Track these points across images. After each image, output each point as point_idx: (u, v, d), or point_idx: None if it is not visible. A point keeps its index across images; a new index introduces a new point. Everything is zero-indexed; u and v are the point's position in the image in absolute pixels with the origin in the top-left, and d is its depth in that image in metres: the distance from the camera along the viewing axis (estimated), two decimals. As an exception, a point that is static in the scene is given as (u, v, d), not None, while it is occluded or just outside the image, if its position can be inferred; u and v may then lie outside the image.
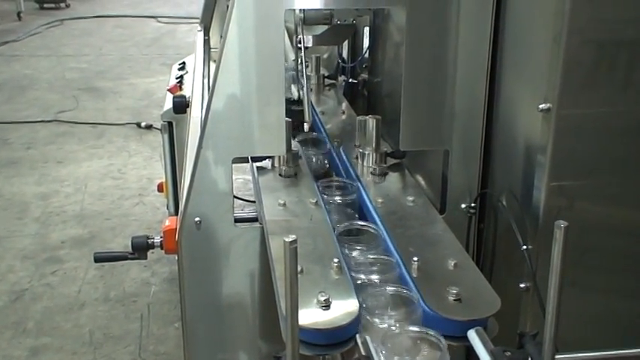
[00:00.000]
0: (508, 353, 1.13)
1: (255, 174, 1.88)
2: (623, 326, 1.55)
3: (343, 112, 2.53)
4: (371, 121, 1.90)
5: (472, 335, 1.20)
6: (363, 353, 1.15)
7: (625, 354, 1.16)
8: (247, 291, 1.77)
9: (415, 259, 1.40)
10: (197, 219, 1.69)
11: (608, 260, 1.51)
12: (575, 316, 1.45)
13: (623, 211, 1.49)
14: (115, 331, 3.70)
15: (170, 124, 3.36)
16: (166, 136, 3.39)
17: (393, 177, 1.85)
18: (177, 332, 3.70)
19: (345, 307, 1.25)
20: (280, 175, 1.84)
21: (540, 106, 1.42)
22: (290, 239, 0.99)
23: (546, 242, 1.50)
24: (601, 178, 1.46)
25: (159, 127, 6.58)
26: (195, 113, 2.59)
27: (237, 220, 1.74)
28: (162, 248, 1.99)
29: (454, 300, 1.28)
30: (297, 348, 1.05)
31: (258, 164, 1.89)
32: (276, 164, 1.88)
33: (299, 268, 1.35)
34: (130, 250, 2.16)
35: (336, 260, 1.38)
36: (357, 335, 1.21)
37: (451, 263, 1.40)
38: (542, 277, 1.50)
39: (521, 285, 1.54)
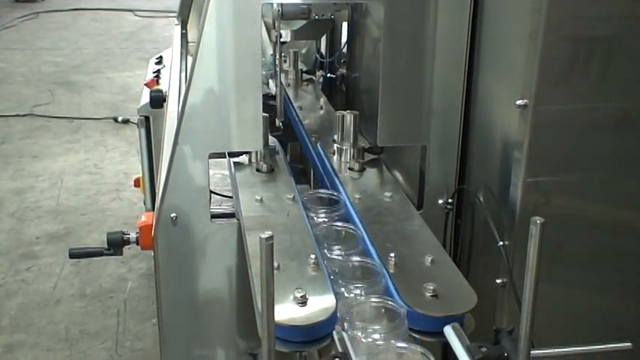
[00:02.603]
0: (484, 349, 1.13)
1: (232, 169, 1.87)
2: (599, 321, 1.57)
3: (321, 108, 2.52)
4: (349, 117, 1.90)
5: (448, 331, 1.20)
6: (340, 350, 1.15)
7: (601, 349, 1.17)
8: (224, 287, 1.76)
9: (392, 255, 1.39)
10: (173, 215, 1.68)
11: (583, 255, 1.52)
12: (551, 311, 1.45)
13: (598, 207, 1.50)
14: (91, 327, 3.67)
15: (147, 118, 3.33)
16: (143, 131, 3.37)
17: (371, 173, 1.85)
18: (155, 328, 3.68)
19: (321, 304, 1.25)
20: (257, 170, 1.83)
21: (517, 102, 1.42)
22: (266, 235, 0.98)
23: (523, 238, 1.51)
24: (577, 174, 1.47)
25: (136, 121, 6.57)
26: (172, 108, 2.57)
27: (214, 216, 1.73)
28: (138, 244, 1.97)
29: (431, 296, 1.28)
30: (273, 345, 1.04)
31: (235, 159, 1.88)
32: (253, 160, 1.87)
33: (275, 264, 1.35)
34: (105, 246, 2.14)
35: (312, 256, 1.38)
36: (334, 332, 1.21)
37: (428, 259, 1.40)
38: (518, 272, 1.51)
39: (498, 281, 1.55)
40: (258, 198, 1.65)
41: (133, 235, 1.98)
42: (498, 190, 1.60)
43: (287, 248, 1.44)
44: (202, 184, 1.66)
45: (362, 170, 1.85)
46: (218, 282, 1.75)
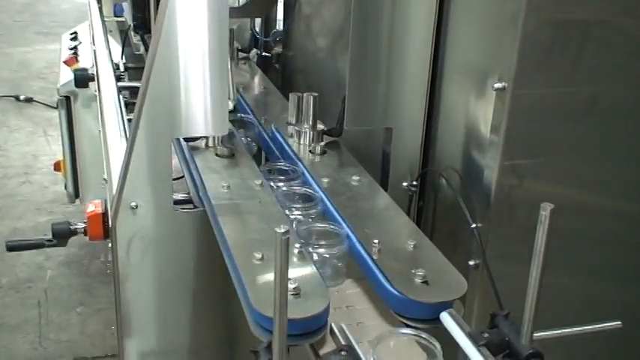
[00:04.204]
0: (486, 334, 1.13)
1: (188, 153, 1.79)
2: (576, 305, 1.61)
3: (264, 88, 2.46)
4: (309, 98, 1.85)
5: (446, 318, 1.19)
6: (343, 342, 1.12)
7: (600, 328, 1.20)
8: (188, 277, 1.69)
9: (375, 241, 1.37)
10: (133, 203, 1.59)
11: (555, 239, 1.55)
12: (522, 292, 1.47)
13: (573, 191, 1.53)
14: (10, 319, 3.49)
15: (68, 98, 3.16)
16: (64, 112, 3.20)
17: (333, 155, 1.82)
18: (80, 318, 3.54)
19: (315, 295, 1.21)
20: (217, 155, 1.76)
21: (495, 86, 1.42)
22: (282, 230, 0.93)
23: (497, 220, 1.53)
24: (553, 158, 1.49)
25: (40, 100, 6.26)
26: (107, 87, 2.45)
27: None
28: (85, 234, 1.87)
29: (421, 282, 1.27)
30: (285, 341, 1.00)
31: (192, 143, 1.80)
32: (211, 143, 1.80)
33: (259, 255, 1.30)
34: (45, 236, 2.02)
35: (297, 246, 1.34)
36: (333, 323, 1.18)
37: (410, 244, 1.39)
38: (491, 254, 1.52)
39: (470, 262, 1.56)
40: (225, 185, 1.59)
41: (80, 226, 1.87)
42: (468, 173, 1.60)
43: (267, 237, 1.39)
44: (165, 171, 1.58)
45: (323, 153, 1.82)
46: (180, 272, 1.68)
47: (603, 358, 1.74)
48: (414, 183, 1.76)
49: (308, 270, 1.28)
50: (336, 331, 1.16)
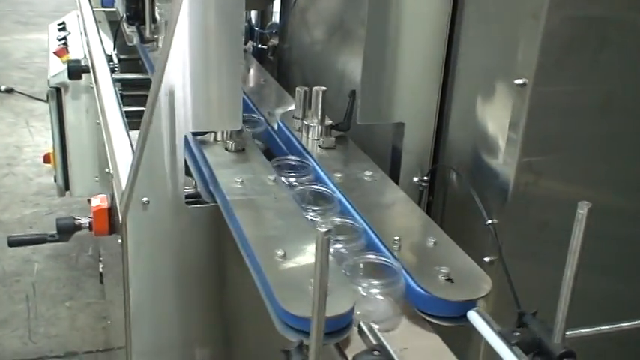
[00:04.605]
0: (517, 333, 1.12)
1: (196, 147, 1.77)
2: (589, 301, 1.60)
3: (264, 80, 2.44)
4: (318, 92, 1.83)
5: (474, 316, 1.19)
6: (374, 342, 1.11)
7: (631, 326, 1.20)
8: (197, 273, 1.67)
9: (396, 238, 1.36)
10: (145, 199, 1.56)
11: (570, 236, 1.55)
12: (535, 289, 1.47)
13: (590, 189, 1.52)
14: (-1, 314, 3.44)
15: (58, 90, 3.11)
16: (54, 104, 3.14)
17: (342, 150, 1.80)
18: (69, 312, 3.50)
19: (341, 293, 1.20)
20: (226, 149, 1.73)
21: (516, 82, 1.41)
22: (324, 230, 0.92)
23: (513, 217, 1.53)
24: (570, 155, 1.49)
25: (21, 90, 6.16)
26: (104, 79, 2.41)
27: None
28: (90, 230, 1.84)
29: (446, 280, 1.26)
30: (322, 342, 0.99)
31: (200, 137, 1.78)
32: (219, 138, 1.77)
33: (281, 253, 1.29)
34: (47, 232, 1.98)
35: (319, 242, 1.32)
36: (361, 322, 1.16)
37: (431, 241, 1.38)
38: (507, 251, 1.52)
39: (486, 259, 1.55)
40: (239, 180, 1.57)
41: (85, 221, 1.84)
42: (481, 169, 1.60)
43: (286, 234, 1.37)
44: (178, 167, 1.56)
45: (332, 148, 1.80)
46: (192, 268, 1.66)
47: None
48: (425, 178, 1.75)
49: (333, 268, 1.26)
50: (365, 330, 1.15)
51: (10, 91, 6.11)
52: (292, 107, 2.12)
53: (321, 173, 1.67)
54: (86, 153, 3.23)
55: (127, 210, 1.57)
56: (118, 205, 1.67)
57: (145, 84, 2.84)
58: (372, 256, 1.33)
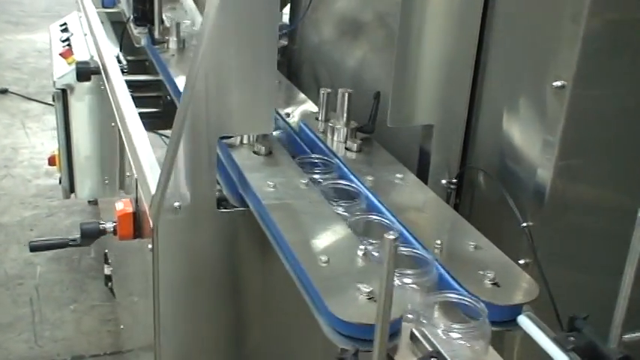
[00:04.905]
0: (572, 338, 1.12)
1: (222, 150, 1.75)
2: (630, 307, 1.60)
3: (279, 82, 2.42)
4: (344, 94, 1.82)
5: (525, 321, 1.18)
6: (429, 348, 1.10)
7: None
8: (230, 279, 1.65)
9: (438, 242, 1.36)
10: (177, 204, 1.55)
11: (605, 240, 1.55)
12: (570, 292, 1.47)
13: (627, 193, 1.52)
14: (3, 317, 3.40)
15: (64, 91, 3.07)
16: (60, 105, 3.10)
17: (370, 153, 1.79)
18: (74, 315, 3.47)
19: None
20: (254, 152, 1.72)
21: (554, 84, 1.41)
22: (392, 237, 0.91)
23: (550, 219, 1.53)
24: (608, 158, 1.48)
25: (15, 91, 6.09)
26: (117, 81, 2.39)
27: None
28: (115, 234, 1.82)
29: (492, 284, 1.26)
30: (385, 349, 0.98)
31: (226, 140, 1.76)
32: (245, 140, 1.76)
33: (324, 258, 1.28)
34: (67, 236, 1.96)
35: (361, 247, 1.31)
36: (414, 329, 1.16)
37: (471, 245, 1.38)
38: (541, 254, 1.52)
39: (520, 262, 1.55)
40: (271, 184, 1.56)
41: (109, 226, 1.82)
42: (513, 171, 1.59)
43: (327, 239, 1.36)
44: (210, 171, 1.54)
45: (359, 151, 1.79)
46: (224, 273, 1.64)
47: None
48: (454, 180, 1.74)
49: (379, 273, 1.25)
50: (418, 336, 1.14)
51: (4, 92, 6.05)
52: (304, 106, 2.12)
53: (351, 176, 1.66)
54: (92, 155, 3.20)
55: (159, 215, 1.56)
56: (147, 209, 1.65)
57: (156, 86, 2.82)
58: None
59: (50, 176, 4.62)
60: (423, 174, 1.76)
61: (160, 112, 2.89)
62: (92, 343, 3.29)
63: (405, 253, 1.32)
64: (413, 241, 1.39)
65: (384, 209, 1.51)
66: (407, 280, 1.25)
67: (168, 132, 3.23)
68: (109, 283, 3.51)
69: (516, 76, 1.58)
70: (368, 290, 1.19)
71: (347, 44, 2.39)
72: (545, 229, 1.52)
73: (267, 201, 1.49)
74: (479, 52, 1.66)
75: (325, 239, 1.36)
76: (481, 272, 1.28)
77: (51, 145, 5.12)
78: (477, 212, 1.75)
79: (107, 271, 3.50)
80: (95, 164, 3.20)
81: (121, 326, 2.80)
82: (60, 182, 3.34)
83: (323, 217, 1.45)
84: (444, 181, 1.75)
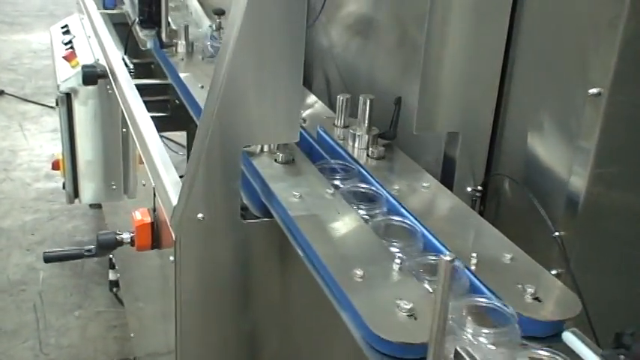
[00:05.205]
0: (622, 356, 1.09)
1: (244, 160, 1.71)
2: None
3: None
4: (365, 100, 1.79)
5: (570, 337, 1.15)
6: (476, 367, 1.07)
7: None
8: (254, 291, 1.61)
9: (474, 254, 1.32)
10: (200, 215, 1.51)
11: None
12: (604, 303, 1.44)
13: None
14: (7, 324, 3.35)
15: (68, 95, 3.01)
16: (64, 110, 3.05)
17: (393, 160, 1.76)
18: (79, 322, 3.42)
19: (429, 315, 1.15)
20: (276, 161, 1.68)
21: (590, 91, 1.38)
22: (449, 258, 0.87)
23: (584, 228, 1.49)
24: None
25: (11, 92, 6.03)
26: (127, 85, 2.34)
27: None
28: (132, 245, 1.77)
29: (533, 299, 1.22)
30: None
31: (246, 148, 1.72)
32: (266, 148, 1.72)
33: (360, 272, 1.24)
34: (82, 246, 1.92)
35: (397, 261, 1.28)
36: (458, 347, 1.12)
37: (506, 257, 1.34)
38: (574, 263, 1.49)
39: (553, 272, 1.51)
40: (297, 194, 1.52)
41: (126, 236, 1.78)
42: (543, 179, 1.56)
43: (359, 253, 1.32)
44: (234, 181, 1.50)
45: (382, 158, 1.76)
46: (248, 285, 1.60)
47: None
48: (479, 188, 1.71)
49: (418, 288, 1.22)
50: (463, 355, 1.10)
51: (0, 93, 5.98)
52: (318, 111, 2.08)
53: (376, 184, 1.62)
54: (96, 159, 3.15)
55: (182, 227, 1.52)
56: (167, 220, 1.61)
57: (164, 89, 2.78)
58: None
59: (50, 179, 4.57)
60: (446, 181, 1.73)
61: (167, 116, 2.84)
62: (98, 350, 3.25)
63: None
64: (445, 252, 1.36)
65: (413, 219, 1.47)
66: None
67: (172, 134, 3.18)
68: (114, 289, 3.47)
69: (546, 82, 1.54)
70: (408, 307, 1.15)
71: (358, 47, 2.36)
72: (578, 238, 1.49)
73: (294, 212, 1.45)
74: (506, 58, 1.62)
75: (358, 252, 1.33)
76: (519, 286, 1.25)
77: (50, 147, 5.08)
78: (502, 221, 1.72)
79: (112, 276, 3.46)
80: (100, 169, 3.15)
81: (131, 334, 2.76)
82: (64, 187, 3.28)
83: (353, 229, 1.41)
84: (469, 189, 1.71)
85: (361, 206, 1.52)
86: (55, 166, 3.34)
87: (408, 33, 2.05)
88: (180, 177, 1.67)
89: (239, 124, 1.46)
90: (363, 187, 1.59)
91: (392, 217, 1.48)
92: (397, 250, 1.36)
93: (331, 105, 2.25)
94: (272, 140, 1.58)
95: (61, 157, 3.26)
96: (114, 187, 2.92)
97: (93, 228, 4.10)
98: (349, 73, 2.41)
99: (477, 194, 1.72)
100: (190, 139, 3.89)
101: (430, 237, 1.41)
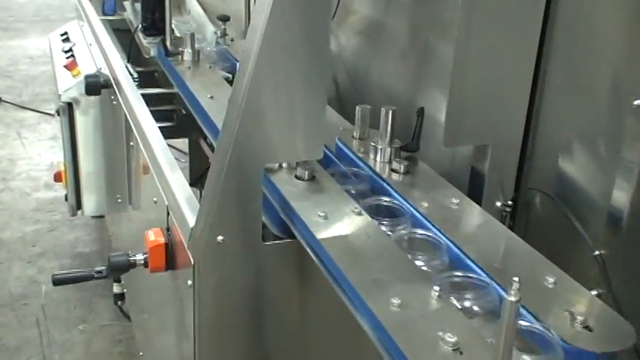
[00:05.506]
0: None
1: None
2: None
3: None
4: (387, 112, 1.71)
5: (627, 371, 1.07)
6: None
7: None
8: (275, 316, 1.53)
9: (516, 279, 1.24)
10: (220, 238, 1.43)
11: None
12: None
13: None
14: (9, 340, 3.26)
15: (70, 105, 2.93)
16: (66, 120, 2.96)
17: (418, 174, 1.68)
18: (84, 336, 3.33)
19: (476, 350, 1.08)
20: (297, 177, 1.60)
21: (635, 103, 1.30)
22: (514, 299, 0.79)
23: (627, 247, 1.42)
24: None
25: (8, 100, 5.93)
26: (134, 97, 2.26)
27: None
28: (146, 266, 1.69)
29: (583, 327, 1.15)
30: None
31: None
32: (285, 164, 1.64)
33: (397, 302, 1.16)
34: (92, 267, 1.83)
35: (436, 289, 1.20)
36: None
37: (549, 280, 1.26)
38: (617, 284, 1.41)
39: (593, 292, 1.44)
40: (322, 214, 1.44)
41: (140, 257, 1.69)
42: (580, 194, 1.49)
43: (394, 279, 1.24)
44: (256, 202, 1.42)
45: (407, 172, 1.68)
46: (268, 310, 1.52)
47: None
48: (509, 203, 1.63)
49: (460, 318, 1.14)
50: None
51: (-4, 101, 5.89)
52: (332, 120, 2.01)
53: (404, 202, 1.54)
54: (99, 170, 3.06)
55: (201, 250, 1.44)
56: (183, 241, 1.53)
57: (169, 98, 2.69)
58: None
59: (50, 188, 4.48)
60: (473, 195, 1.65)
61: (173, 125, 2.76)
62: (104, 366, 3.17)
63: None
64: (483, 275, 1.28)
65: (444, 238, 1.39)
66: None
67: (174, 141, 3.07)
68: (119, 302, 3.38)
69: (582, 92, 1.47)
70: (452, 340, 1.07)
71: (369, 52, 2.28)
72: (620, 257, 1.41)
73: (320, 234, 1.37)
74: (537, 67, 1.55)
75: (393, 278, 1.24)
76: (567, 312, 1.17)
77: (49, 155, 4.99)
78: (533, 237, 1.64)
79: (116, 289, 3.37)
80: (103, 180, 3.07)
81: (140, 353, 2.68)
82: (66, 199, 3.20)
83: (384, 252, 1.33)
84: (498, 204, 1.64)
85: (385, 223, 1.44)
86: (57, 177, 3.25)
87: (421, 38, 1.98)
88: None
89: (260, 142, 1.38)
90: (385, 201, 1.51)
91: (419, 232, 1.40)
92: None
93: (341, 111, 2.18)
94: (295, 158, 1.50)
95: (62, 168, 3.18)
96: (119, 200, 2.83)
97: (95, 239, 4.01)
98: (360, 79, 2.33)
99: (507, 209, 1.64)
100: (193, 146, 3.81)
101: (468, 261, 1.33)
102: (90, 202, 3.16)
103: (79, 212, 3.25)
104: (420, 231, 1.42)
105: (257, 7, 1.34)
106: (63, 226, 4.14)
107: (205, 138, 3.00)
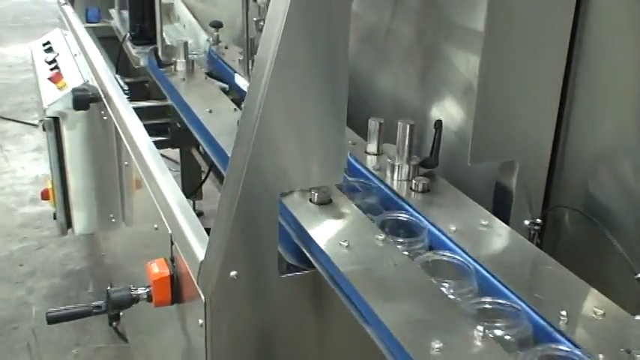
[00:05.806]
0: None
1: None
2: None
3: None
4: (405, 127, 1.60)
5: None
6: None
7: None
8: (295, 349, 1.42)
9: (563, 313, 1.14)
10: (234, 273, 1.31)
11: None
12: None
13: None
14: (0, 368, 3.12)
15: (56, 120, 2.79)
16: (52, 135, 2.82)
17: (439, 193, 1.57)
18: (78, 360, 3.20)
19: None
20: (311, 201, 1.48)
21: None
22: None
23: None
24: None
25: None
26: (124, 109, 2.13)
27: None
28: (150, 300, 1.57)
29: (644, 367, 1.04)
30: None
31: (275, 189, 1.52)
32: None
33: (438, 345, 1.05)
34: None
35: (479, 329, 1.09)
36: None
37: (598, 311, 1.16)
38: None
39: (637, 318, 1.34)
40: (344, 243, 1.32)
41: (142, 292, 1.57)
42: (614, 212, 1.39)
43: (431, 317, 1.13)
44: (271, 233, 1.31)
45: (427, 191, 1.57)
46: (288, 344, 1.41)
47: None
48: (538, 221, 1.53)
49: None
50: None
51: (-23, 112, 5.72)
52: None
53: (429, 225, 1.43)
54: (89, 187, 2.93)
55: (212, 287, 1.32)
56: (191, 275, 1.41)
57: (164, 111, 2.57)
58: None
59: (36, 203, 4.33)
60: (499, 212, 1.54)
61: (168, 140, 2.63)
62: (100, 391, 3.04)
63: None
64: (525, 307, 1.17)
65: (479, 267, 1.29)
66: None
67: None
68: (114, 323, 3.24)
69: (614, 106, 1.37)
70: (503, 391, 0.97)
71: (377, 61, 2.17)
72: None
73: (345, 267, 1.26)
74: (566, 80, 1.45)
75: (429, 316, 1.13)
76: (623, 350, 1.06)
77: (33, 168, 4.84)
78: (564, 258, 1.54)
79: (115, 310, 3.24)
80: (93, 197, 2.94)
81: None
82: (54, 218, 3.06)
83: (416, 286, 1.22)
84: (526, 222, 1.53)
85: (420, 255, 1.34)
86: (45, 195, 3.11)
87: (430, 46, 1.88)
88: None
89: (275, 169, 1.26)
90: (408, 224, 1.40)
91: (455, 258, 1.29)
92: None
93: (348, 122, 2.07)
94: (313, 184, 1.38)
95: (50, 185, 3.05)
96: (112, 219, 2.70)
97: (85, 255, 3.87)
98: (364, 86, 2.22)
99: (536, 227, 1.54)
100: (184, 155, 3.68)
101: (506, 290, 1.22)
102: (80, 221, 3.03)
103: (70, 231, 3.12)
104: (455, 257, 1.31)
105: (269, 18, 1.22)
106: (51, 243, 4.00)
107: (198, 147, 2.88)
